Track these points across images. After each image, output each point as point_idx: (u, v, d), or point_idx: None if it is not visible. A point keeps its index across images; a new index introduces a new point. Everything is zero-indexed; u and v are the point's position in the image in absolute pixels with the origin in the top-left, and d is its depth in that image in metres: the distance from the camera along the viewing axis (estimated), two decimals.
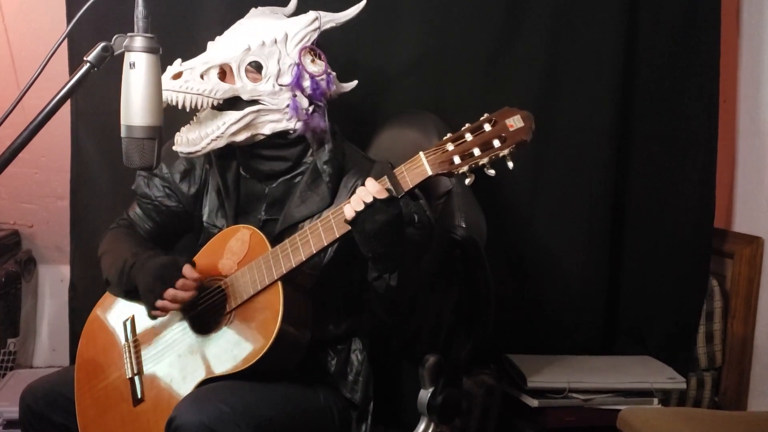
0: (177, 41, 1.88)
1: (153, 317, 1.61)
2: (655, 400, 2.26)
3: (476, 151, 1.37)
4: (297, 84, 1.63)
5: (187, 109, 1.58)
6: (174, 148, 1.64)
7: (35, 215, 2.73)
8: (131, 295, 1.65)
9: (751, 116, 2.61)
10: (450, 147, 1.39)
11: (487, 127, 1.38)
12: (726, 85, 2.55)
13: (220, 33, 1.71)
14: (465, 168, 1.37)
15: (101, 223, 2.01)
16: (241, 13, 1.77)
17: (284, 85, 1.63)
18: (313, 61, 1.67)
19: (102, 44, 1.15)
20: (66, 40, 2.17)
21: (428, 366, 1.65)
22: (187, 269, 1.53)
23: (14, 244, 2.69)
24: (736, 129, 2.65)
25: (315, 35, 1.68)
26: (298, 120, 1.64)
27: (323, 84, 1.67)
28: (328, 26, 1.70)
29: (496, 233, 1.91)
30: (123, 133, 1.19)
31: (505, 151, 1.35)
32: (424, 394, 1.61)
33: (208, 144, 1.61)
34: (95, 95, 2.13)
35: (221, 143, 1.62)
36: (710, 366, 2.58)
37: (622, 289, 2.54)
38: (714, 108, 2.47)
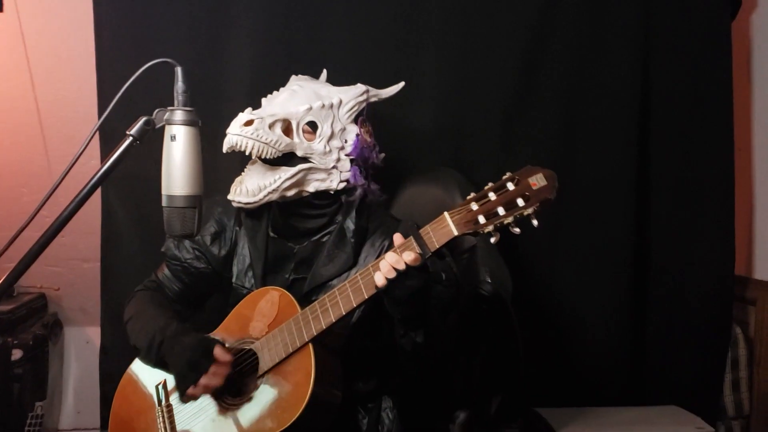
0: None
1: (185, 401, 1.62)
2: None
3: (501, 210, 1.36)
4: (359, 153, 1.70)
5: (254, 156, 1.61)
6: (230, 196, 1.67)
7: (61, 278, 2.75)
8: (162, 368, 1.67)
9: (766, 163, 2.63)
10: (474, 206, 1.38)
11: (510, 186, 1.37)
12: (740, 134, 2.57)
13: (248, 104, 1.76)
14: (490, 227, 1.37)
15: (131, 286, 2.01)
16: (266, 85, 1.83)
17: (337, 148, 1.69)
18: (367, 132, 1.75)
19: (144, 118, 1.20)
20: (96, 102, 2.27)
21: (459, 422, 1.66)
22: (218, 352, 1.54)
23: (41, 307, 2.72)
24: (753, 176, 2.67)
25: (363, 106, 1.76)
26: (358, 186, 1.70)
27: (374, 154, 1.76)
28: (372, 100, 1.79)
29: (519, 287, 1.92)
30: (164, 203, 1.22)
31: (530, 210, 1.35)
32: None
33: (265, 196, 1.64)
34: (124, 160, 2.18)
35: (275, 196, 1.65)
36: (738, 414, 2.55)
37: (646, 339, 2.53)
38: (729, 157, 2.50)
